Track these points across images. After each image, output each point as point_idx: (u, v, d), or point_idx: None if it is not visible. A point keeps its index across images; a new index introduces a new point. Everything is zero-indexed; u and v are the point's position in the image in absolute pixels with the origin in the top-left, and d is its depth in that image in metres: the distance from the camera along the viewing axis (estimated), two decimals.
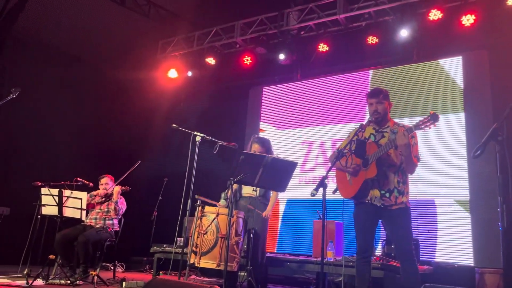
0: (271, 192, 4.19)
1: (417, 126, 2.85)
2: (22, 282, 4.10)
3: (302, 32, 6.77)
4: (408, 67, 6.23)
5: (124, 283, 4.47)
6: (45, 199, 4.56)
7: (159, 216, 6.78)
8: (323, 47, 6.58)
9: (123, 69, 7.88)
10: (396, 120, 3.29)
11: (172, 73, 7.67)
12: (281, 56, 6.74)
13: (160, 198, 6.76)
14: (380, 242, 5.24)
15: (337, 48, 6.61)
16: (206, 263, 3.69)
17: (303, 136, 6.88)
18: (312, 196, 2.81)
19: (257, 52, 7.05)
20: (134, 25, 7.58)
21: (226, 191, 4.10)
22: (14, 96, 3.37)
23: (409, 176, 3.18)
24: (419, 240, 5.00)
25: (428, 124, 2.79)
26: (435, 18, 5.68)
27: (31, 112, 6.71)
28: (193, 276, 5.77)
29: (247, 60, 7.09)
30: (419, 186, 5.34)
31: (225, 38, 7.28)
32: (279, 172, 3.53)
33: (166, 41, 7.86)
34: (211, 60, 7.34)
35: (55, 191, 4.50)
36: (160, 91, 8.10)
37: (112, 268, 6.03)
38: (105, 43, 7.58)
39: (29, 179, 6.37)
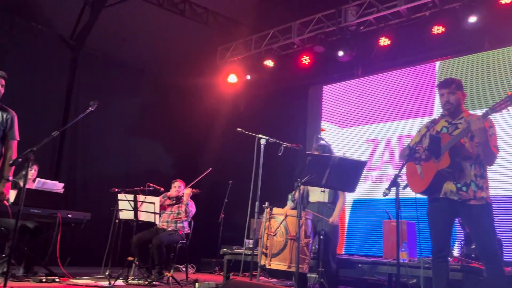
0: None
1: (493, 109, 2.64)
2: (105, 283, 4.38)
3: (361, 27, 6.60)
4: (479, 56, 5.85)
5: (197, 284, 4.61)
6: (121, 204, 4.84)
7: (226, 218, 6.94)
8: (384, 41, 6.37)
9: (184, 77, 8.17)
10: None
11: (232, 78, 7.82)
12: (340, 53, 6.62)
13: (226, 200, 6.91)
14: (457, 242, 4.96)
15: (399, 41, 6.36)
16: (276, 264, 3.70)
17: (367, 134, 6.70)
18: (384, 196, 2.72)
19: (315, 51, 6.98)
20: (193, 34, 7.83)
21: (293, 192, 4.09)
22: (93, 109, 3.61)
23: (489, 172, 2.97)
24: (502, 240, 4.66)
25: (504, 106, 2.59)
26: (508, 1, 5.29)
27: (105, 122, 7.15)
28: (262, 278, 5.83)
29: (305, 59, 7.05)
30: (500, 182, 4.99)
31: (282, 39, 7.29)
32: (347, 172, 3.47)
33: (224, 47, 8.03)
34: (269, 63, 7.39)
35: (130, 197, 4.76)
36: (220, 96, 8.30)
37: (184, 269, 6.25)
38: (166, 53, 7.90)
39: (106, 186, 6.83)
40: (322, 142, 4.24)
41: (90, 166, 7.09)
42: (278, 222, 3.80)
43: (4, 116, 3.62)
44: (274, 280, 5.95)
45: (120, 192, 4.95)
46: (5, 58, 6.06)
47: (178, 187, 5.34)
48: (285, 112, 7.85)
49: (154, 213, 4.68)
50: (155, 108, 8.13)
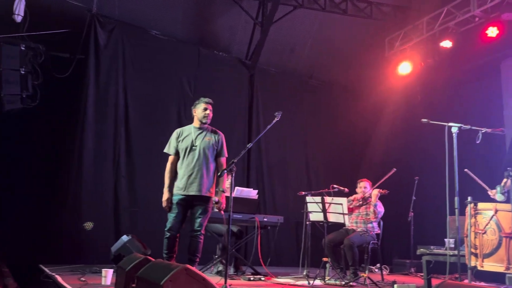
0: None
1: None
2: (304, 282, 4.58)
3: None
4: None
5: (396, 285, 4.43)
6: (310, 207, 5.01)
7: (416, 217, 6.52)
8: None
9: (352, 76, 8.08)
10: None
11: (404, 68, 7.37)
12: None
13: (414, 198, 6.50)
14: None
15: None
16: (491, 266, 3.29)
17: None
18: None
19: (503, 19, 6.03)
20: (358, 30, 7.68)
21: (502, 184, 3.58)
22: (278, 119, 3.88)
23: None
24: None
25: None
26: None
27: (281, 130, 7.55)
28: (466, 281, 5.24)
29: (492, 31, 6.13)
30: None
31: (460, 15, 6.52)
32: None
33: (392, 37, 7.62)
34: (446, 43, 6.69)
35: (318, 199, 4.89)
36: (392, 89, 7.90)
37: (377, 270, 6.11)
38: (332, 55, 7.95)
39: (290, 190, 7.22)
40: None
41: (276, 172, 7.59)
42: (487, 218, 3.37)
43: (216, 137, 4.20)
44: (483, 283, 5.27)
45: (307, 195, 5.13)
46: (197, 85, 6.99)
47: (363, 188, 5.26)
48: (472, 95, 6.99)
49: (343, 214, 4.70)
50: (326, 111, 8.22)
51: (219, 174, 3.79)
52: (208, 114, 4.17)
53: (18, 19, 5.28)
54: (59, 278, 3.74)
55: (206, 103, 4.20)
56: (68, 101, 6.34)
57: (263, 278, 4.78)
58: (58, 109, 6.30)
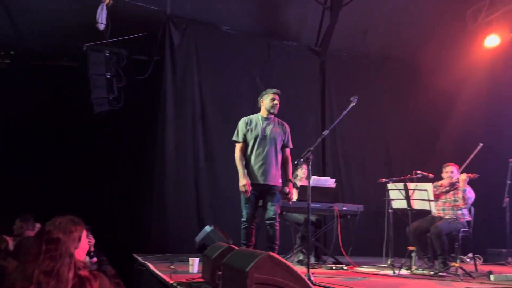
0: None
1: None
2: (389, 272, 4.42)
3: None
4: None
5: (492, 276, 4.11)
6: (392, 194, 4.81)
7: None
8: None
9: (430, 54, 7.57)
10: None
11: (491, 40, 6.76)
12: None
13: (509, 182, 5.96)
14: None
15: None
16: None
17: None
18: None
19: None
20: (435, 5, 7.16)
21: None
22: (354, 104, 3.76)
23: None
24: None
25: None
26: None
27: (356, 115, 7.31)
28: None
29: None
30: None
31: None
32: None
33: (475, 8, 7.00)
34: None
35: (400, 186, 4.68)
36: (474, 65, 7.28)
37: (468, 260, 5.72)
38: (408, 34, 7.50)
39: (369, 178, 6.98)
40: None
41: (352, 160, 7.39)
42: None
43: (283, 128, 4.22)
44: None
45: (388, 182, 4.94)
46: (268, 78, 7.01)
47: (450, 172, 4.92)
48: None
49: (429, 200, 4.45)
50: (403, 93, 7.78)
51: (296, 162, 3.79)
52: (276, 104, 4.19)
53: (101, 27, 5.69)
54: (151, 266, 4.00)
55: (274, 93, 4.22)
56: (148, 100, 6.74)
57: (345, 267, 4.70)
58: (140, 109, 6.73)
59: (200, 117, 6.54)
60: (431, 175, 5.00)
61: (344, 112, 3.92)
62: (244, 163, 4.13)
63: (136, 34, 6.19)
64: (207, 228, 4.97)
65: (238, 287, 2.30)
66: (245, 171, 4.08)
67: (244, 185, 4.03)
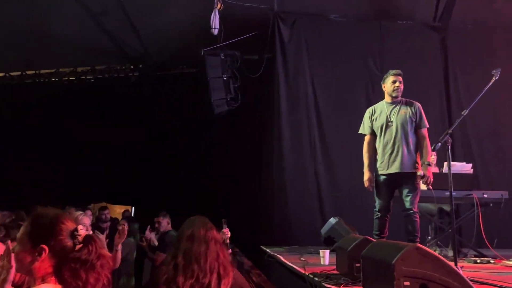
0: None
1: None
2: None
3: None
4: None
5: None
6: None
7: None
8: None
9: None
10: None
11: None
12: None
13: None
14: None
15: None
16: None
17: None
18: None
19: None
20: None
21: None
22: (496, 78, 3.35)
23: None
24: None
25: None
26: None
27: (496, 95, 6.51)
28: None
29: None
30: None
31: None
32: None
33: None
34: None
35: None
36: None
37: None
38: None
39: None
40: None
41: (488, 143, 6.63)
42: None
43: (412, 109, 3.94)
44: None
45: None
46: (383, 62, 6.65)
47: None
48: None
49: None
50: None
51: (432, 148, 3.50)
52: (398, 86, 3.93)
53: (216, 32, 5.98)
54: (282, 258, 4.07)
55: (395, 75, 3.96)
56: (262, 98, 6.91)
57: (492, 261, 4.22)
58: (255, 107, 6.94)
59: (314, 109, 6.50)
60: None
61: (486, 88, 3.54)
62: (369, 155, 4.01)
63: (247, 34, 6.39)
64: (332, 220, 4.90)
65: (384, 280, 2.19)
66: (369, 164, 3.98)
67: (366, 180, 3.97)
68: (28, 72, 8.60)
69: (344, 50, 6.69)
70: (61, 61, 8.17)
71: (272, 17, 6.50)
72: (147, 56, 7.64)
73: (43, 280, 1.53)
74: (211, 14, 5.91)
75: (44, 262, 1.54)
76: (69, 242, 1.59)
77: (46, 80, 8.64)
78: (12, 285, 1.98)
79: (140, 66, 8.24)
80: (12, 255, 1.67)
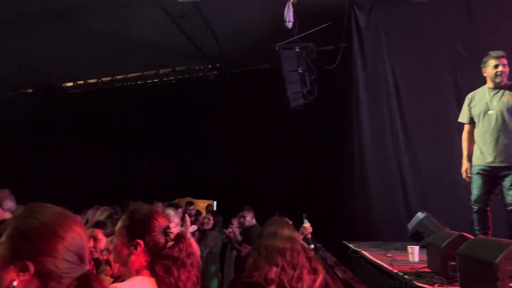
0: None
1: None
2: None
3: None
4: None
5: None
6: None
7: None
8: None
9: None
10: None
11: None
12: None
13: None
14: None
15: None
16: None
17: None
18: None
19: None
20: None
21: None
22: None
23: None
24: None
25: None
26: None
27: None
28: None
29: None
30: None
31: None
32: None
33: None
34: None
35: None
36: None
37: None
38: None
39: None
40: None
41: None
42: None
43: None
44: None
45: None
46: (472, 43, 6.09)
47: None
48: None
49: None
50: None
51: None
52: (501, 71, 3.56)
53: (290, 25, 5.94)
54: (367, 254, 3.93)
55: (497, 57, 3.59)
56: (339, 89, 6.72)
57: None
58: (333, 99, 6.78)
59: (395, 97, 6.17)
60: None
61: None
62: (468, 145, 3.78)
63: (321, 25, 6.24)
64: (420, 215, 4.63)
65: (486, 281, 2.01)
66: (467, 154, 3.74)
67: (463, 171, 3.82)
68: (118, 77, 9.27)
69: (426, 32, 6.24)
70: (144, 64, 8.69)
71: (348, 5, 6.28)
72: (223, 54, 7.81)
73: (138, 273, 1.62)
74: (283, 8, 5.87)
75: (139, 256, 1.63)
76: (161, 239, 1.67)
77: (133, 83, 9.25)
78: (111, 277, 2.13)
79: (218, 65, 8.46)
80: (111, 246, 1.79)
